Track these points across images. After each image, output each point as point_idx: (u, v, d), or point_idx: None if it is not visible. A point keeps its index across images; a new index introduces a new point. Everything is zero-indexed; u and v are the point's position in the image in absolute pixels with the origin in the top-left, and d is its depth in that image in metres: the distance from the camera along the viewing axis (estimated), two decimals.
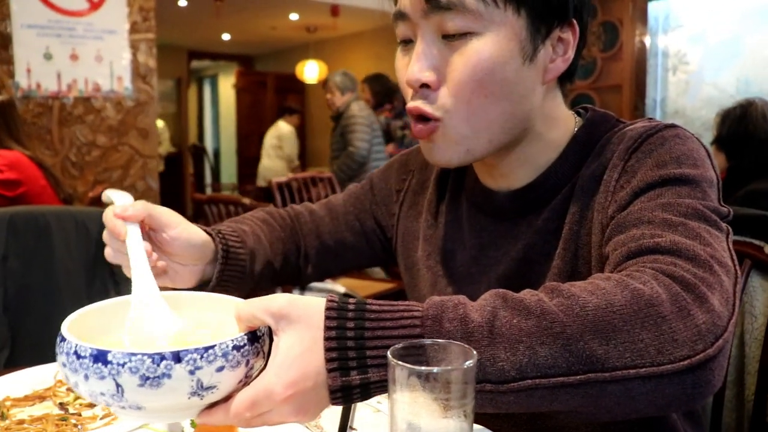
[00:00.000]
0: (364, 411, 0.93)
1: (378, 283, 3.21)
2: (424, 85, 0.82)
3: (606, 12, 5.55)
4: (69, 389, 0.99)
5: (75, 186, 3.55)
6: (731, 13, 4.97)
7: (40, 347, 1.85)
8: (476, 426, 0.83)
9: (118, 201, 0.84)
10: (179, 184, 9.20)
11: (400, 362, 0.51)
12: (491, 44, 0.79)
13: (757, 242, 1.12)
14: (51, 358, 1.09)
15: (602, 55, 5.58)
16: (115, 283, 2.19)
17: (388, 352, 0.52)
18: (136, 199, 0.85)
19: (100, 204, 3.24)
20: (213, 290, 0.95)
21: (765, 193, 2.37)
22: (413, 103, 0.83)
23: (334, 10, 7.48)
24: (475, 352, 0.53)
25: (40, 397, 0.97)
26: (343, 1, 7.26)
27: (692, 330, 0.58)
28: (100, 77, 3.69)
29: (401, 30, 0.85)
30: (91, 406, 0.95)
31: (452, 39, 0.80)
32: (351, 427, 0.79)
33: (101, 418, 0.92)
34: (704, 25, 5.16)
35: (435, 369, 0.50)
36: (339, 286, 2.85)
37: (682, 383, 0.57)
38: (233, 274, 0.96)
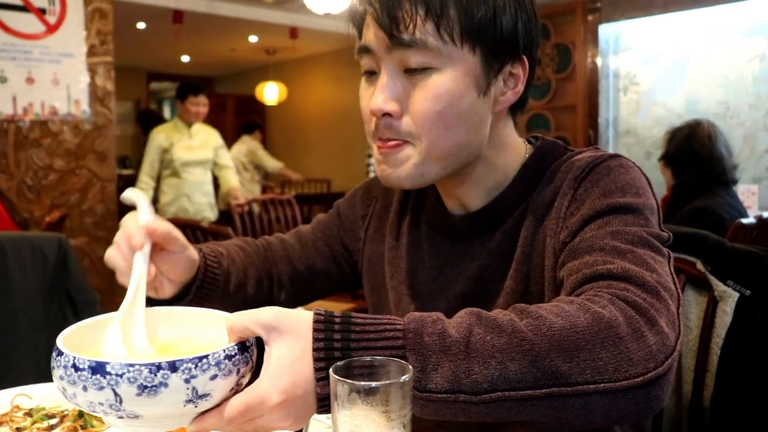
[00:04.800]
0: (317, 427, 0.95)
1: (337, 304, 3.23)
2: (387, 115, 0.87)
3: (559, 34, 5.71)
4: (26, 414, 1.00)
5: (32, 210, 3.51)
6: (679, 37, 5.15)
7: None
8: None
9: (143, 212, 0.85)
10: None
11: (341, 378, 0.54)
12: (450, 79, 0.85)
13: (690, 258, 1.18)
14: (7, 383, 1.10)
15: (556, 76, 5.73)
16: (74, 309, 2.17)
17: (330, 370, 0.56)
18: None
19: (57, 228, 3.18)
20: (189, 304, 0.99)
21: (707, 209, 2.47)
22: (379, 132, 0.89)
23: (293, 33, 7.52)
24: (411, 368, 0.57)
25: None
26: (301, 24, 7.31)
27: (645, 350, 0.64)
28: (57, 100, 3.66)
29: (366, 62, 0.91)
30: (49, 430, 0.96)
31: (414, 73, 0.86)
32: None
33: None
34: (653, 48, 5.34)
35: (374, 384, 0.54)
36: None
37: (635, 398, 0.64)
38: (208, 292, 1.00)
